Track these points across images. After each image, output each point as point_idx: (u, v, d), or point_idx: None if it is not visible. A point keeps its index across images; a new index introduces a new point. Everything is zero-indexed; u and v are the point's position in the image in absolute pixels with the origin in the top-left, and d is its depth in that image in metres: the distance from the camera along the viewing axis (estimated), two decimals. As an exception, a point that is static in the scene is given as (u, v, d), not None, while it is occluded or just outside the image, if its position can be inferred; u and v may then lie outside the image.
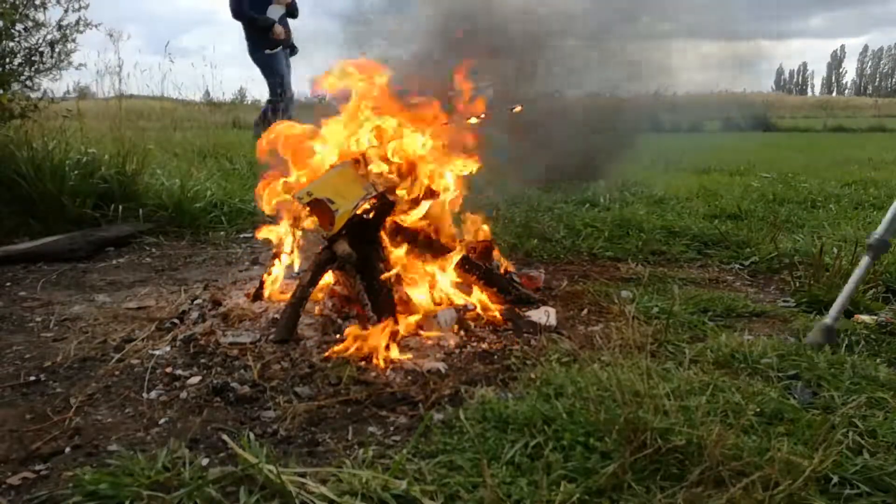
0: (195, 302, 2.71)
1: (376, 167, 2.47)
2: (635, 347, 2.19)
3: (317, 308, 2.50)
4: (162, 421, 1.77)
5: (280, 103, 7.27)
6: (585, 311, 2.72)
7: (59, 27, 4.76)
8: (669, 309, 2.58)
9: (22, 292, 3.03)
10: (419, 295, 2.49)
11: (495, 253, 2.83)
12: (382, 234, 2.52)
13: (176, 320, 2.51)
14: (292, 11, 7.99)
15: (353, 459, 1.51)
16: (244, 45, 7.97)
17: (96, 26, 5.00)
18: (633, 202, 5.62)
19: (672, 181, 7.00)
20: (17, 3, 4.44)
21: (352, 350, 2.15)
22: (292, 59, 8.24)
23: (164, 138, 7.03)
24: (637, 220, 4.53)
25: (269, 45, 7.41)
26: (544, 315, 2.54)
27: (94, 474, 1.44)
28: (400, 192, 2.49)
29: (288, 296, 2.44)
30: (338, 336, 2.30)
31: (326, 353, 2.15)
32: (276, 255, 2.72)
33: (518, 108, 2.56)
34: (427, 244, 2.60)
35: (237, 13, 7.72)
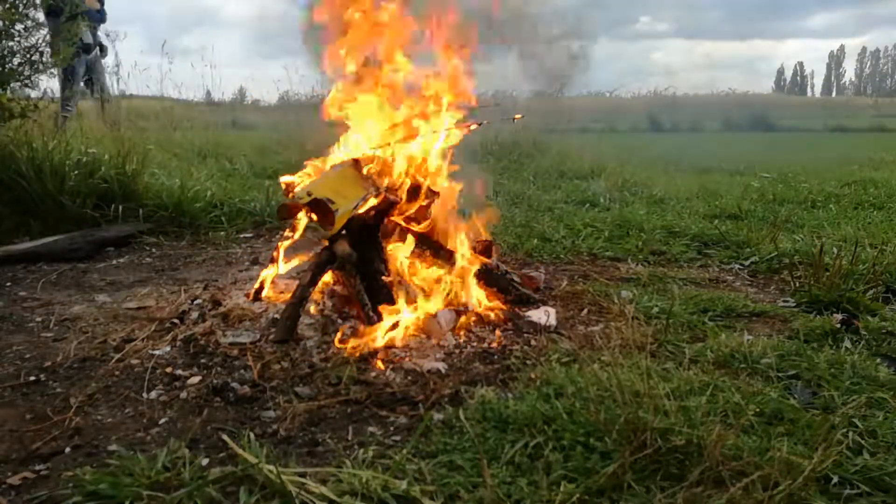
0: (195, 302, 2.70)
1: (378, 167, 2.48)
2: (635, 347, 2.19)
3: (313, 308, 2.49)
4: (162, 421, 1.77)
5: (70, 98, 7.04)
6: (585, 311, 2.72)
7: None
8: (669, 309, 2.58)
9: (22, 292, 3.03)
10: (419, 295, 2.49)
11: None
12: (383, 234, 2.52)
13: (176, 320, 2.51)
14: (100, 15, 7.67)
15: (353, 459, 1.51)
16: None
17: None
18: (633, 202, 5.63)
19: (672, 181, 7.00)
20: (17, 2, 4.44)
21: (354, 347, 2.15)
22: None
23: (164, 138, 7.03)
24: (637, 220, 4.53)
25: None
26: (544, 315, 2.54)
27: (94, 474, 1.44)
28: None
29: (288, 296, 2.44)
30: (338, 336, 2.30)
31: (339, 344, 2.14)
32: (274, 260, 2.72)
33: (518, 117, 2.59)
34: (433, 247, 2.61)
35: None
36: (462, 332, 2.38)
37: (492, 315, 2.53)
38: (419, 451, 1.56)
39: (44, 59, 4.67)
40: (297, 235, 2.62)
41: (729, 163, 9.11)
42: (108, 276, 3.36)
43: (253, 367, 2.05)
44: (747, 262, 3.63)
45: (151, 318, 2.57)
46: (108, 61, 7.63)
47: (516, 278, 2.84)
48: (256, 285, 2.66)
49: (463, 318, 2.45)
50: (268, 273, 2.70)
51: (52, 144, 4.42)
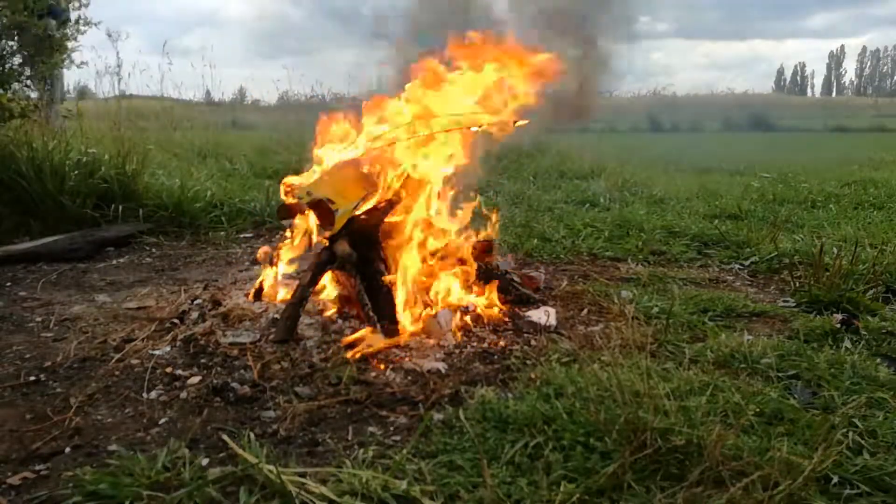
0: (195, 302, 2.70)
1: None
2: (635, 347, 2.19)
3: (317, 308, 2.49)
4: (162, 421, 1.77)
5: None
6: (585, 311, 2.72)
7: (60, 26, 4.76)
8: (669, 309, 2.58)
9: (22, 292, 3.03)
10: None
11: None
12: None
13: (176, 320, 2.51)
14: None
15: (353, 459, 1.51)
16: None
17: (96, 24, 5.01)
18: (633, 202, 5.63)
19: (672, 181, 7.00)
20: (17, 1, 4.43)
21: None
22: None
23: (164, 138, 7.03)
24: (637, 220, 4.53)
25: None
26: (544, 315, 2.54)
27: (94, 474, 1.44)
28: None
29: (288, 296, 2.43)
30: (335, 336, 2.30)
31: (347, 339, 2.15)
32: (273, 261, 2.72)
33: (523, 123, 2.62)
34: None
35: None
36: (461, 332, 2.38)
37: (492, 315, 2.53)
38: (419, 451, 1.56)
39: (43, 58, 4.68)
40: (296, 242, 2.62)
41: (729, 163, 9.11)
42: (108, 276, 3.36)
43: (253, 367, 2.05)
44: (747, 262, 3.63)
45: (151, 318, 2.57)
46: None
47: (516, 278, 2.84)
48: (256, 285, 2.67)
49: (464, 319, 2.44)
50: (267, 274, 2.70)
51: (52, 144, 4.42)
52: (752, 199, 5.71)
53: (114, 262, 3.66)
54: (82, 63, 5.21)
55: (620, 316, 2.57)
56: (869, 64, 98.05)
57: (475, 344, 2.30)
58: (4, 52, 4.47)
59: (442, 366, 2.10)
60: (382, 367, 2.08)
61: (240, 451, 1.50)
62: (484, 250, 2.82)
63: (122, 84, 7.86)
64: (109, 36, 7.43)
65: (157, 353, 2.21)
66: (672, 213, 4.99)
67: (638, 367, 1.82)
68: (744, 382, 1.94)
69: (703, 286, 3.17)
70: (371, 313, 2.31)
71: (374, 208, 2.44)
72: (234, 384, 1.95)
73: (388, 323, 2.29)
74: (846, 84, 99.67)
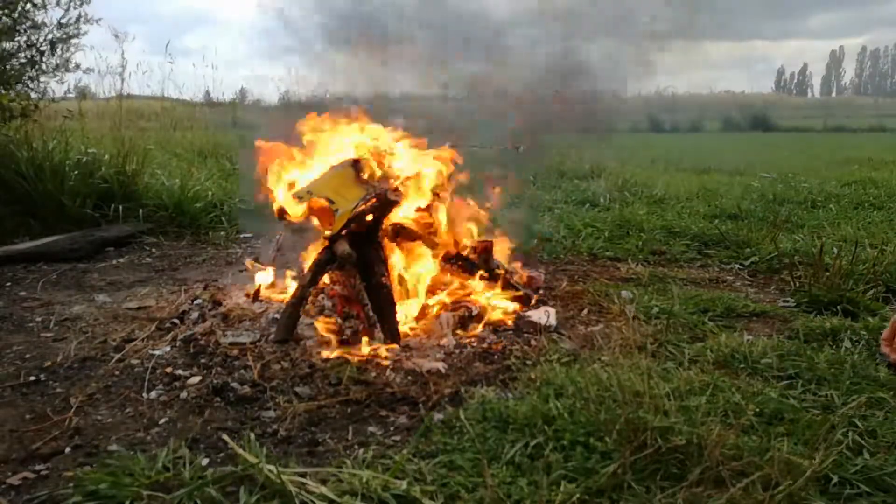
0: (195, 302, 2.70)
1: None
2: (635, 347, 2.19)
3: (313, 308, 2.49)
4: (162, 421, 1.77)
5: None
6: (585, 311, 2.72)
7: (60, 25, 4.76)
8: (669, 309, 2.58)
9: (22, 292, 3.03)
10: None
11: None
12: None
13: (176, 320, 2.51)
14: None
15: (353, 459, 1.51)
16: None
17: (97, 21, 4.99)
18: (633, 202, 5.63)
19: (672, 181, 7.00)
20: (17, 2, 4.43)
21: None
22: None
23: (164, 138, 7.03)
24: (637, 220, 4.53)
25: None
26: (544, 315, 2.54)
27: (94, 474, 1.44)
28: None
29: (287, 296, 2.43)
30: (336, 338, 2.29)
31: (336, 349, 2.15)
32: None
33: (522, 147, 2.67)
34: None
35: None
36: (461, 333, 2.38)
37: (492, 315, 2.53)
38: (419, 451, 1.56)
39: (45, 59, 4.68)
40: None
41: (729, 163, 9.12)
42: (108, 276, 3.36)
43: (253, 367, 2.05)
44: (747, 262, 3.63)
45: (151, 318, 2.57)
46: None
47: (516, 278, 2.84)
48: (255, 286, 2.67)
49: (469, 326, 2.44)
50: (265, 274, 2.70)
51: (52, 144, 4.42)
52: (752, 199, 5.71)
53: (114, 262, 3.66)
54: (88, 69, 5.20)
55: (620, 316, 2.57)
56: (869, 64, 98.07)
57: (475, 344, 2.30)
58: (6, 53, 4.47)
59: (442, 366, 2.10)
60: (383, 366, 2.07)
61: (240, 451, 1.50)
62: (484, 251, 2.81)
63: (123, 84, 7.86)
64: (116, 37, 7.41)
65: (157, 353, 2.21)
66: (672, 213, 4.99)
67: (638, 367, 1.82)
68: (744, 382, 1.94)
69: (703, 286, 3.17)
70: (371, 313, 2.31)
71: (374, 208, 2.44)
72: (234, 384, 1.95)
73: (388, 323, 2.28)
74: (846, 84, 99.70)
